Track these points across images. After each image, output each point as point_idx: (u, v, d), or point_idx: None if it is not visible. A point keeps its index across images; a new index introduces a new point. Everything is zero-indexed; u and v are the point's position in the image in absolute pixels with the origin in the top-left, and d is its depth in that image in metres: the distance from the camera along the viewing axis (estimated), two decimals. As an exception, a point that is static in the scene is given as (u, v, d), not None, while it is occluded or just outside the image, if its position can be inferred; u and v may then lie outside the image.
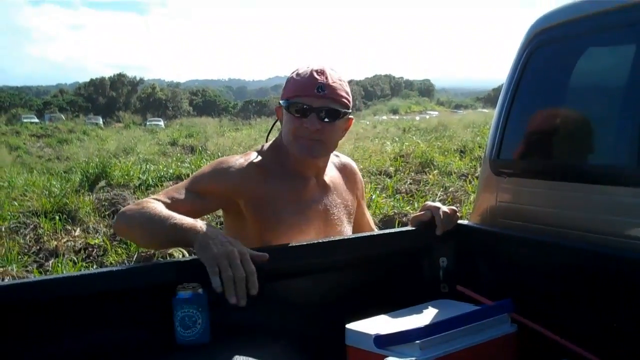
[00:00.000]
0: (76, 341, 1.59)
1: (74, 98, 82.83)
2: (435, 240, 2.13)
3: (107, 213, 9.24)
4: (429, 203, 2.18)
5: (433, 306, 1.93)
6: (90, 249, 7.48)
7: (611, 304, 1.72)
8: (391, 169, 12.88)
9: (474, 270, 2.14)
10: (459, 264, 2.16)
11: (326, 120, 2.02)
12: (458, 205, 9.12)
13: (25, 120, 53.95)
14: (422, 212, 2.16)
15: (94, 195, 10.39)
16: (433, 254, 2.15)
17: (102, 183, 11.67)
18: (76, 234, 8.09)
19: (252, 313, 1.78)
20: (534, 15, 2.31)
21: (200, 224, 1.75)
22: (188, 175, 12.07)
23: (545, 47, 2.22)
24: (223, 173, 2.05)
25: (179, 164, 15.03)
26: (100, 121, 58.72)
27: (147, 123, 55.17)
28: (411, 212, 8.54)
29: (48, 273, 6.49)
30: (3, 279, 5.99)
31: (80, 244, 7.62)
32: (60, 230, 8.18)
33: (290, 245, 1.89)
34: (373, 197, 9.47)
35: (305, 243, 1.95)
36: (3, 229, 8.12)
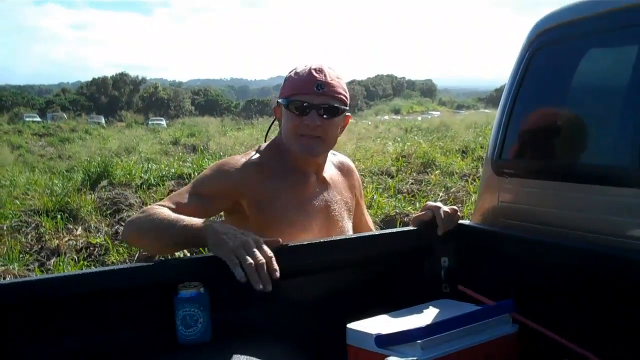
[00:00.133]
0: (77, 340, 1.59)
1: (76, 97, 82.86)
2: (437, 240, 2.12)
3: (108, 212, 9.25)
4: (430, 203, 2.18)
5: (434, 306, 1.93)
6: (91, 248, 7.49)
7: (612, 304, 1.72)
8: (393, 169, 12.88)
9: (476, 270, 2.14)
10: (460, 264, 2.16)
11: (326, 117, 2.06)
12: (460, 205, 9.12)
13: (27, 119, 54.01)
14: (423, 212, 2.16)
15: (96, 194, 10.40)
16: (434, 253, 2.15)
17: (104, 182, 11.67)
18: (78, 233, 8.10)
19: (253, 312, 1.79)
20: (537, 16, 2.31)
21: (209, 222, 1.78)
22: (190, 175, 12.15)
23: (548, 48, 2.22)
24: (225, 174, 2.07)
25: (180, 163, 15.03)
26: (103, 120, 58.76)
27: (149, 122, 55.19)
28: (413, 212, 8.54)
29: (49, 272, 6.50)
30: (4, 278, 5.99)
31: (81, 243, 7.63)
32: (62, 229, 8.19)
33: (292, 244, 1.89)
34: (375, 197, 9.48)
35: (306, 243, 1.95)
36: (5, 228, 8.13)
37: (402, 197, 9.86)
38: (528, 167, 2.23)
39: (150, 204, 8.94)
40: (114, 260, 6.94)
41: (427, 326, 1.68)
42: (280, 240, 1.78)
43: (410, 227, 2.18)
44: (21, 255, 7.05)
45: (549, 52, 2.22)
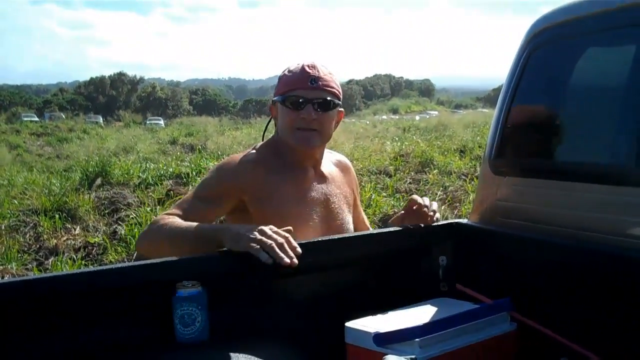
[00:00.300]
0: (75, 339, 1.59)
1: (74, 97, 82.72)
2: (435, 239, 2.13)
3: (106, 212, 9.24)
4: (414, 197, 2.23)
5: (432, 304, 1.93)
6: (89, 248, 7.49)
7: (610, 303, 1.72)
8: (391, 169, 12.88)
9: (474, 269, 2.15)
10: (458, 263, 2.16)
11: (320, 110, 2.12)
12: (458, 204, 9.14)
13: (25, 119, 53.85)
14: (403, 211, 2.23)
15: (94, 194, 10.39)
16: (432, 252, 2.16)
17: (102, 181, 11.67)
18: (76, 232, 8.09)
19: (251, 311, 1.79)
20: (534, 16, 2.31)
21: (220, 224, 1.89)
22: (188, 174, 12.13)
23: (545, 47, 2.22)
24: (226, 174, 2.13)
25: (178, 162, 15.01)
26: (100, 120, 58.59)
27: (147, 122, 55.08)
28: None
29: (48, 271, 6.49)
30: (3, 277, 5.99)
31: (80, 242, 7.63)
32: (60, 229, 8.18)
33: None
34: (373, 196, 9.48)
35: (304, 242, 1.95)
36: (3, 227, 8.12)
37: (401, 197, 9.86)
38: (526, 166, 2.23)
39: (147, 203, 8.91)
40: (112, 260, 6.94)
41: (425, 325, 1.68)
42: (292, 228, 1.85)
43: (409, 226, 2.18)
44: (19, 255, 7.05)
45: (546, 51, 2.22)
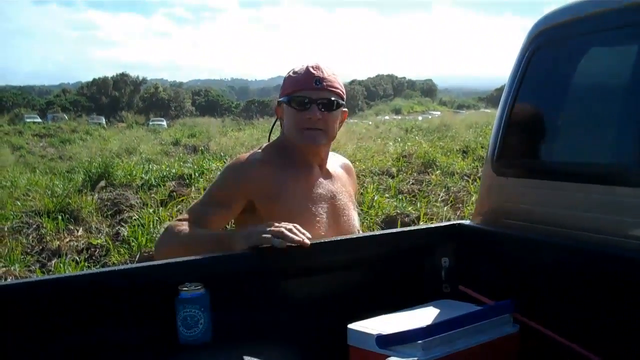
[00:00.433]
0: (78, 341, 1.59)
1: (76, 98, 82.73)
2: (438, 240, 2.13)
3: (109, 213, 9.26)
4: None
5: (435, 306, 1.93)
6: (92, 249, 7.50)
7: (613, 304, 1.71)
8: (394, 169, 12.89)
9: (476, 271, 2.14)
10: (461, 264, 2.16)
11: (325, 110, 2.18)
12: (460, 205, 9.13)
13: (28, 120, 53.95)
14: None
15: (97, 195, 10.42)
16: (435, 254, 2.16)
17: (105, 183, 11.69)
18: (79, 234, 8.11)
19: (254, 313, 1.79)
20: (537, 15, 2.31)
21: (232, 230, 2.03)
22: (190, 176, 12.14)
23: (548, 47, 2.21)
24: (235, 175, 2.17)
25: (181, 163, 15.05)
26: (103, 121, 58.65)
27: (150, 123, 55.14)
28: (413, 212, 8.55)
29: (50, 273, 6.50)
30: (6, 279, 6.00)
31: (82, 244, 7.64)
32: (63, 230, 8.20)
33: (292, 245, 1.90)
34: (375, 197, 9.48)
35: (309, 244, 1.95)
36: (6, 229, 8.15)
37: (403, 197, 9.87)
38: (528, 167, 2.23)
39: (150, 205, 8.91)
40: (115, 261, 6.95)
41: (428, 326, 1.68)
42: (298, 226, 1.90)
43: (412, 227, 2.19)
44: (22, 257, 7.06)
45: (548, 51, 2.22)
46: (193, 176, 12.30)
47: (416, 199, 9.78)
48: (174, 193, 10.54)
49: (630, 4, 1.90)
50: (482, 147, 15.76)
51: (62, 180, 13.21)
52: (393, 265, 2.10)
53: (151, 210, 8.92)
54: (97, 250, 7.48)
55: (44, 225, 8.35)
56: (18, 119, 57.74)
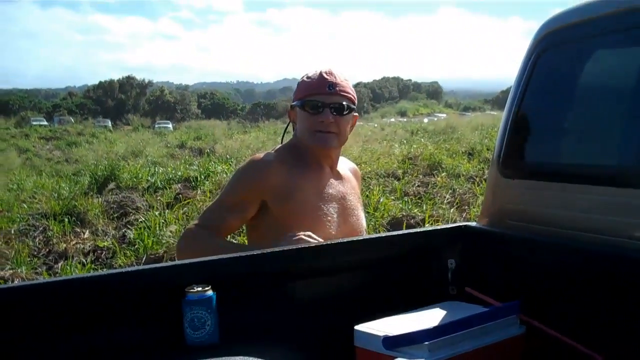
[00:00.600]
0: (85, 343, 1.60)
1: (83, 101, 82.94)
2: (444, 242, 2.13)
3: (115, 215, 9.28)
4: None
5: (441, 308, 1.93)
6: (99, 252, 7.52)
7: (620, 305, 1.71)
8: (399, 172, 12.88)
9: (483, 272, 2.14)
10: (467, 266, 2.16)
11: (337, 114, 2.26)
12: (466, 207, 9.12)
13: (34, 123, 54.03)
14: None
15: (103, 198, 10.44)
16: (441, 256, 2.16)
17: (111, 185, 11.72)
18: (85, 236, 8.13)
19: (260, 315, 1.79)
20: (543, 18, 2.31)
21: (253, 244, 2.22)
22: (196, 178, 12.16)
23: (554, 49, 2.21)
24: (248, 177, 2.23)
25: (187, 166, 15.07)
26: (109, 124, 58.67)
27: (156, 126, 55.15)
28: (419, 214, 8.54)
29: (57, 275, 6.52)
30: (13, 281, 6.02)
31: (89, 246, 7.66)
32: (70, 233, 8.23)
33: (299, 247, 1.91)
34: (381, 199, 9.47)
35: (314, 245, 1.96)
36: (13, 231, 8.17)
37: (409, 200, 9.86)
38: (534, 169, 2.23)
39: (156, 207, 8.91)
40: (122, 264, 6.97)
41: (435, 328, 1.68)
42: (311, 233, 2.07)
43: (417, 229, 2.19)
44: (29, 259, 7.08)
45: (555, 53, 2.22)
46: (199, 179, 12.32)
47: (422, 201, 9.78)
48: (180, 195, 10.56)
49: (637, 5, 1.90)
50: (487, 149, 15.74)
51: (69, 182, 13.25)
52: (399, 267, 2.10)
53: (157, 213, 8.94)
54: (104, 252, 7.51)
55: (51, 228, 8.37)
56: (24, 122, 57.84)
